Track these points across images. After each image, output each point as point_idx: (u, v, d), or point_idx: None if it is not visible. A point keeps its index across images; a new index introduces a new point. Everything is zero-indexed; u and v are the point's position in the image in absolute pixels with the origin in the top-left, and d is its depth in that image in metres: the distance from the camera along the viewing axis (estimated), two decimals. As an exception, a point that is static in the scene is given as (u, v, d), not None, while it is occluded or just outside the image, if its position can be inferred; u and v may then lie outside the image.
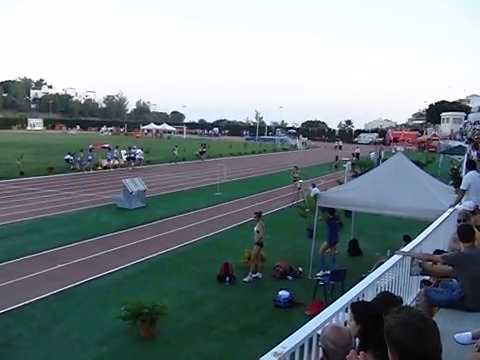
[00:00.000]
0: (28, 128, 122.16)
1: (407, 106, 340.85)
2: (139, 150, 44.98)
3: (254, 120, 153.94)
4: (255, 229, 14.53)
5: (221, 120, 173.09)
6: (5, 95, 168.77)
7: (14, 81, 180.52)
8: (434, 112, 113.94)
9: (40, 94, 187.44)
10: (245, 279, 14.17)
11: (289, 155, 70.28)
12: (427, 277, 6.70)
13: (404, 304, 5.00)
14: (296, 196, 26.15)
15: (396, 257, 6.21)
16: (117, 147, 44.46)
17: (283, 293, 12.54)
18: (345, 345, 3.16)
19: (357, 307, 4.09)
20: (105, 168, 41.26)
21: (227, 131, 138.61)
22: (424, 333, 2.27)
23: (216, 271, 14.25)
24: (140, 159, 44.63)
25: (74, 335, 10.40)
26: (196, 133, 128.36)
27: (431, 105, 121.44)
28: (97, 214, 22.83)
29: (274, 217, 23.03)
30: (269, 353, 3.26)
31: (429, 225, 8.04)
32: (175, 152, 49.44)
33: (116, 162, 42.57)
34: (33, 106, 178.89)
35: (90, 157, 40.58)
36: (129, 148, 44.40)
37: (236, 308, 12.26)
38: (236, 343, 10.34)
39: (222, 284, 13.86)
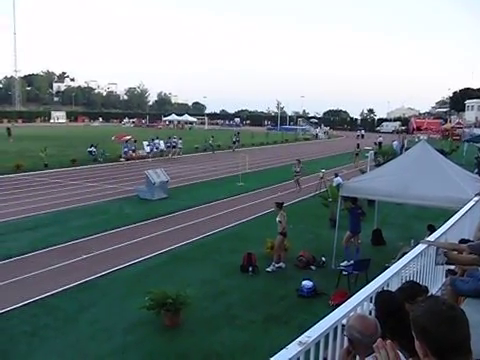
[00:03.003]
0: (51, 121, 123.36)
1: (430, 94, 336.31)
2: (179, 140, 46.92)
3: (275, 110, 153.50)
4: (277, 219, 14.50)
5: (242, 110, 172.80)
6: (29, 88, 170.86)
7: (37, 74, 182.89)
8: (458, 100, 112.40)
9: (63, 87, 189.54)
10: (268, 269, 14.17)
11: (311, 145, 70.00)
12: (452, 266, 6.63)
13: (429, 294, 4.95)
14: (318, 186, 25.96)
15: (421, 246, 6.16)
16: (157, 137, 46.34)
17: (306, 283, 12.52)
18: (371, 334, 3.14)
19: (378, 296, 4.08)
20: (139, 158, 42.13)
21: (248, 121, 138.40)
22: (453, 321, 2.23)
23: (239, 261, 14.26)
24: (180, 148, 46.53)
25: (99, 325, 10.54)
26: (217, 124, 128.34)
27: (455, 92, 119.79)
28: (120, 205, 23.01)
29: (297, 207, 22.97)
30: (294, 342, 3.26)
31: (454, 214, 7.95)
32: (210, 142, 51.41)
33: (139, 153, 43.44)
34: (56, 99, 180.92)
35: (133, 147, 42.62)
36: (169, 138, 46.75)
37: (259, 298, 12.28)
38: (260, 333, 10.37)
39: (245, 274, 13.88)
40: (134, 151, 42.42)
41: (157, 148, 44.62)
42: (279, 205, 14.85)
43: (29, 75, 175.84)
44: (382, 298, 4.02)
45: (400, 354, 2.54)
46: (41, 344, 9.70)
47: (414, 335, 2.34)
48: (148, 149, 43.65)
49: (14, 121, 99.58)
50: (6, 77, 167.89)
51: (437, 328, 2.22)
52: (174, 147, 45.62)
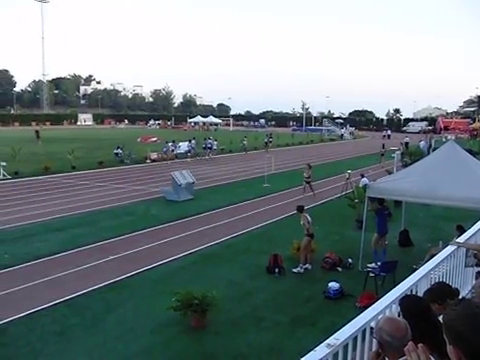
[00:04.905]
0: (78, 123, 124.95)
1: (458, 93, 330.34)
2: (215, 141, 49.04)
3: (300, 111, 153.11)
4: (301, 222, 14.46)
5: (267, 111, 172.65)
6: (56, 92, 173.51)
7: (64, 78, 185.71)
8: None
9: (89, 90, 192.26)
10: (294, 270, 14.12)
11: (336, 145, 69.61)
12: (483, 268, 6.54)
13: (460, 296, 4.89)
14: (344, 187, 25.76)
15: (450, 248, 6.09)
16: (194, 138, 48.11)
17: (333, 284, 12.44)
18: (401, 337, 3.11)
19: (402, 301, 4.04)
20: (166, 160, 42.71)
21: (273, 122, 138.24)
22: None
23: (265, 262, 14.23)
24: (215, 149, 48.36)
25: (127, 325, 10.62)
26: (242, 125, 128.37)
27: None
28: (147, 206, 23.17)
29: (323, 208, 22.87)
30: (323, 344, 3.25)
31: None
32: (244, 142, 52.97)
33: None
34: (83, 102, 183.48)
35: (172, 148, 44.34)
36: (205, 139, 48.22)
37: (286, 299, 12.24)
38: (286, 334, 10.33)
39: (271, 275, 13.85)
40: (173, 151, 43.97)
41: (193, 148, 46.01)
42: (300, 208, 14.81)
43: (57, 78, 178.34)
44: (406, 302, 3.98)
45: (431, 358, 2.51)
46: (69, 344, 9.82)
47: (447, 340, 2.29)
48: (186, 148, 45.30)
49: (42, 124, 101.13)
50: (34, 81, 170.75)
51: (473, 332, 2.17)
52: (210, 148, 46.96)
